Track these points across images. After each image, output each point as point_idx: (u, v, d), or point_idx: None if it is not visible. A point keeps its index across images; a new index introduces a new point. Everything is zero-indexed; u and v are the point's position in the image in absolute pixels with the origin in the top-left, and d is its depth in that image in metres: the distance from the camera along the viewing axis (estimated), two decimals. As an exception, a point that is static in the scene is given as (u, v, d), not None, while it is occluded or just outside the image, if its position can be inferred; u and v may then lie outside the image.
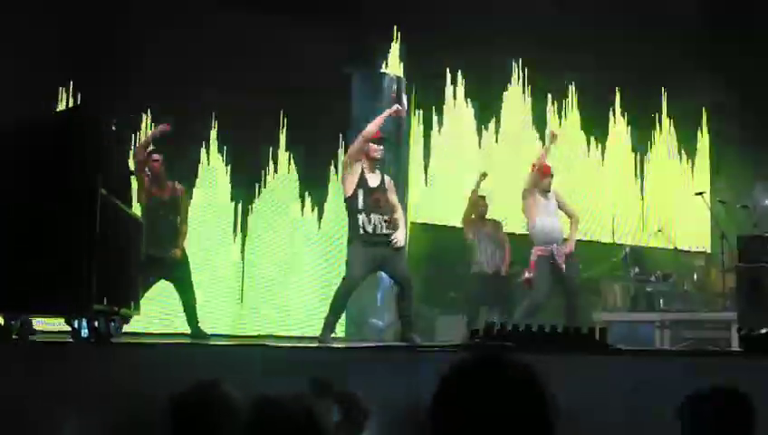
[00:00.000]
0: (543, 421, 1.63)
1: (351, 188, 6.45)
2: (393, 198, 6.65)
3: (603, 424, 3.51)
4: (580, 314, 7.64)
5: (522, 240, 8.32)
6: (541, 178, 7.80)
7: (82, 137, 4.21)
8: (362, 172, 6.47)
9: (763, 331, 4.41)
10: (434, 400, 1.65)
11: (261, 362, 3.88)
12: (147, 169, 7.07)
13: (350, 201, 6.46)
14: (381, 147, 6.64)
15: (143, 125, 8.78)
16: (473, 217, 8.67)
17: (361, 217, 6.37)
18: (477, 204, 8.68)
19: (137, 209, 6.81)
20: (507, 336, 3.92)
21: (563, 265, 7.61)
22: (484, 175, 8.73)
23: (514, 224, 9.05)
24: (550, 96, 11.53)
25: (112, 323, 5.00)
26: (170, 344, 5.05)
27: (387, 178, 6.68)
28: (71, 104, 8.36)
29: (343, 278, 6.48)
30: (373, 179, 6.52)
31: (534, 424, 1.61)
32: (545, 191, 7.81)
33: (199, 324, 7.09)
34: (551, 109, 11.53)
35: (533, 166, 7.95)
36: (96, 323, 4.36)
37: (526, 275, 7.74)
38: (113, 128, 5.12)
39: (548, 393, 1.65)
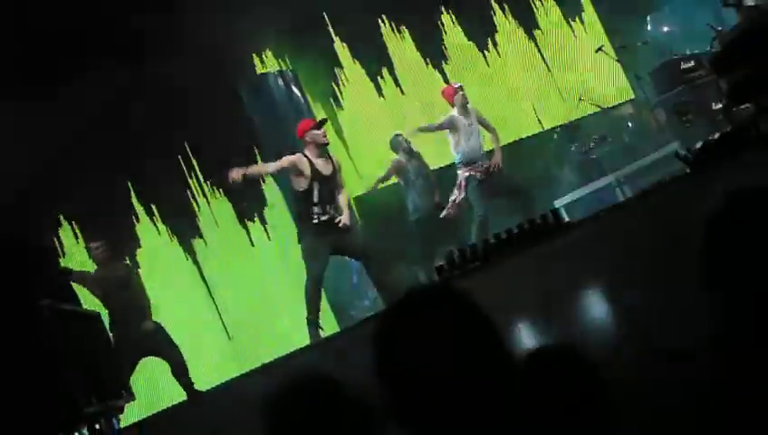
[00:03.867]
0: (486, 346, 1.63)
1: (306, 182, 6.44)
2: (341, 179, 6.69)
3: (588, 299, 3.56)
4: (534, 205, 7.74)
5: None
6: (450, 99, 7.89)
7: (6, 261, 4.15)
8: (312, 164, 6.45)
9: (698, 145, 4.49)
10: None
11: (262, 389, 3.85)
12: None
13: (304, 194, 6.45)
14: (323, 130, 6.61)
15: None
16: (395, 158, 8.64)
17: (316, 209, 6.42)
18: (396, 143, 8.63)
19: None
20: (469, 259, 3.95)
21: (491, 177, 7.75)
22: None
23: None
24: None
25: (114, 420, 4.97)
26: (174, 407, 5.01)
27: (335, 159, 6.69)
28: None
29: (306, 275, 6.49)
30: (326, 167, 6.52)
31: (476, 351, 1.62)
32: (464, 106, 7.86)
33: (193, 384, 7.05)
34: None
35: (442, 92, 8.07)
36: (97, 426, 4.32)
37: (448, 208, 7.83)
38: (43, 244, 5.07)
39: (480, 311, 1.64)
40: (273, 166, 6.62)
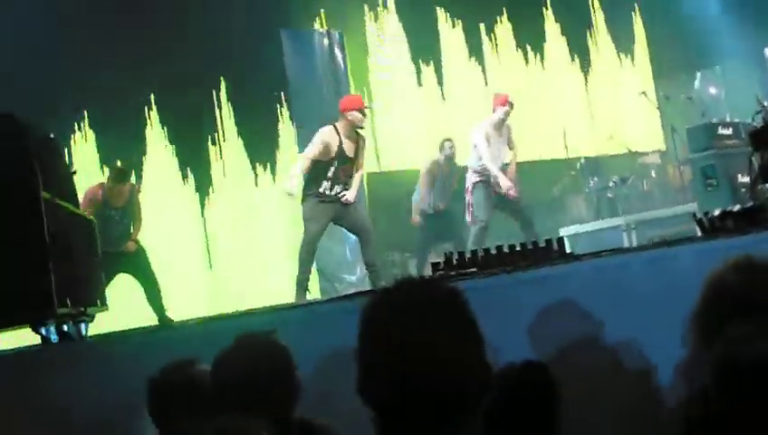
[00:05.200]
0: (466, 341, 1.63)
1: (327, 157, 6.49)
2: (362, 159, 6.74)
3: (572, 325, 3.56)
4: (534, 230, 7.78)
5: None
6: (497, 105, 7.95)
7: (11, 142, 4.13)
8: (340, 143, 6.49)
9: (716, 212, 4.48)
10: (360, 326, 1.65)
11: (238, 333, 3.85)
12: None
13: (322, 165, 6.48)
14: (364, 116, 6.66)
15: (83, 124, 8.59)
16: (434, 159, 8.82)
17: (326, 184, 6.49)
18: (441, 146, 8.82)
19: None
20: (467, 263, 3.95)
21: (502, 190, 7.74)
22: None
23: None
24: (483, 26, 11.48)
25: (83, 325, 4.99)
26: (143, 331, 5.01)
27: (361, 138, 6.71)
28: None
29: (303, 236, 6.55)
30: (350, 148, 6.56)
31: (456, 345, 1.62)
32: (502, 121, 7.95)
33: (166, 312, 7.08)
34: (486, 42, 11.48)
35: (495, 96, 8.14)
36: (65, 327, 4.34)
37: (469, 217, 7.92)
38: (50, 136, 5.05)
39: (469, 314, 1.65)
40: (311, 153, 6.54)
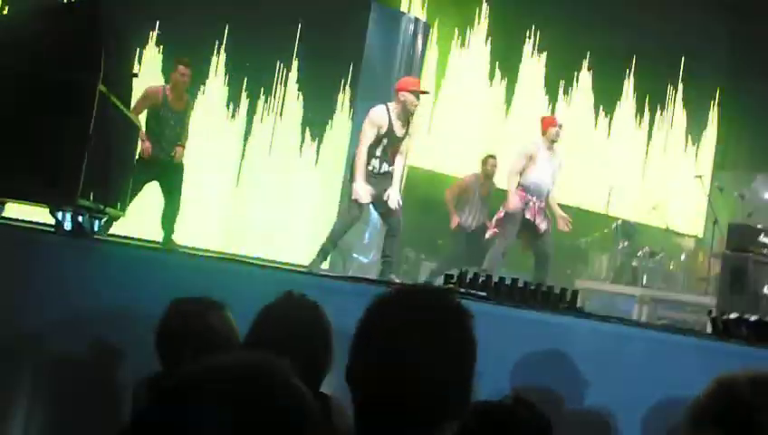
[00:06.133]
0: (460, 350, 1.63)
1: (376, 134, 6.47)
2: (408, 145, 6.74)
3: (559, 380, 3.57)
4: (546, 278, 7.62)
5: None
6: (544, 127, 7.77)
7: (85, 29, 4.17)
8: (390, 122, 6.48)
9: (733, 316, 4.45)
10: (357, 328, 1.66)
11: (240, 280, 3.88)
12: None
13: (373, 143, 6.48)
14: (419, 101, 6.61)
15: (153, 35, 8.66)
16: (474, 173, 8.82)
17: (375, 162, 6.49)
18: (483, 162, 8.82)
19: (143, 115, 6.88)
20: (480, 286, 3.95)
21: (538, 222, 7.63)
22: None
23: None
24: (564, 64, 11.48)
25: (96, 221, 5.05)
26: (156, 249, 5.07)
27: (412, 125, 6.68)
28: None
29: (345, 212, 6.68)
30: (401, 129, 6.54)
31: (449, 351, 1.62)
32: (552, 142, 7.75)
33: (173, 235, 7.14)
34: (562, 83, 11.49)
35: (542, 119, 7.99)
36: (80, 218, 4.39)
37: (492, 227, 7.82)
38: (118, 28, 5.08)
39: (470, 334, 1.65)
40: (365, 143, 6.50)
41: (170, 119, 7.10)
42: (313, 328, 2.40)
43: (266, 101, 9.28)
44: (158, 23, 8.59)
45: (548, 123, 7.77)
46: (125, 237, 5.80)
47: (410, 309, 1.66)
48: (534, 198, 7.65)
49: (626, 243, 10.36)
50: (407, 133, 6.60)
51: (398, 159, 6.67)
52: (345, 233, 6.73)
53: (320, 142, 9.50)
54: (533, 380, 3.53)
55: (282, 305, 2.44)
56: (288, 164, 9.35)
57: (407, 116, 6.55)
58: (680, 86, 12.50)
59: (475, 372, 1.66)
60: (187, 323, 2.58)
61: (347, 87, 9.53)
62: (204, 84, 8.90)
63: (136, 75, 6.14)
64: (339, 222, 6.76)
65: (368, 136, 6.48)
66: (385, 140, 6.48)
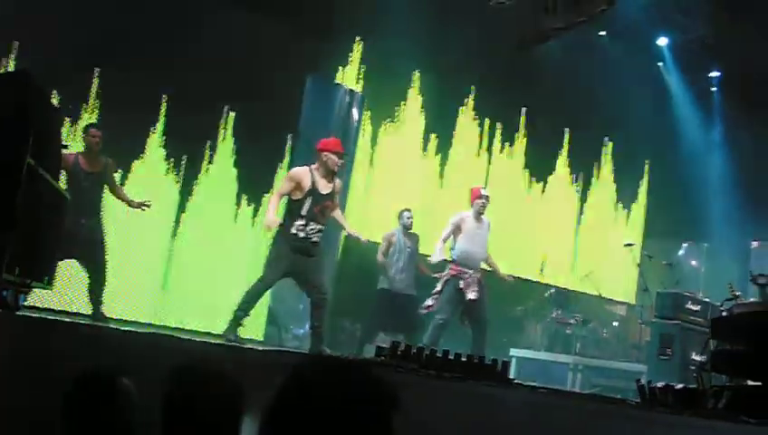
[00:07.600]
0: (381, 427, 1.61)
1: (301, 194, 6.50)
2: (337, 201, 6.81)
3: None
4: (485, 345, 7.72)
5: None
6: (471, 198, 8.03)
7: (14, 101, 4.14)
8: (314, 182, 6.51)
9: (660, 384, 4.53)
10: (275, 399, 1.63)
11: (160, 351, 3.82)
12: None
13: (296, 204, 6.50)
14: (342, 161, 6.74)
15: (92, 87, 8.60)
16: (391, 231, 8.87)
17: (299, 223, 6.45)
18: (400, 216, 8.89)
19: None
20: (412, 358, 3.96)
21: (471, 294, 7.75)
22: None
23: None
24: (500, 125, 11.74)
25: (21, 296, 4.94)
26: (74, 323, 4.95)
27: (338, 181, 6.76)
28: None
29: (259, 277, 6.54)
30: (326, 187, 6.57)
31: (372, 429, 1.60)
32: (479, 214, 8.00)
33: (102, 306, 7.01)
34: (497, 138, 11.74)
35: (471, 190, 8.22)
36: (5, 293, 4.30)
37: (429, 302, 7.87)
38: (51, 99, 5.06)
39: (391, 401, 1.63)
40: (281, 189, 6.64)
41: (84, 181, 7.03)
42: (219, 400, 2.35)
43: (206, 170, 9.28)
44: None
45: (475, 195, 8.06)
46: (51, 310, 5.68)
47: (331, 390, 1.64)
48: (468, 270, 7.82)
49: (559, 311, 10.50)
50: (333, 191, 6.63)
51: (335, 213, 6.77)
52: (259, 299, 6.55)
53: (255, 211, 9.49)
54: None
55: (190, 372, 2.38)
56: (223, 233, 9.30)
57: (331, 175, 6.61)
58: (610, 158, 12.87)
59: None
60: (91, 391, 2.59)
61: (283, 164, 9.55)
62: (142, 155, 8.87)
63: (66, 147, 6.09)
64: (253, 287, 6.51)
65: (285, 183, 6.61)
66: (309, 199, 6.48)
